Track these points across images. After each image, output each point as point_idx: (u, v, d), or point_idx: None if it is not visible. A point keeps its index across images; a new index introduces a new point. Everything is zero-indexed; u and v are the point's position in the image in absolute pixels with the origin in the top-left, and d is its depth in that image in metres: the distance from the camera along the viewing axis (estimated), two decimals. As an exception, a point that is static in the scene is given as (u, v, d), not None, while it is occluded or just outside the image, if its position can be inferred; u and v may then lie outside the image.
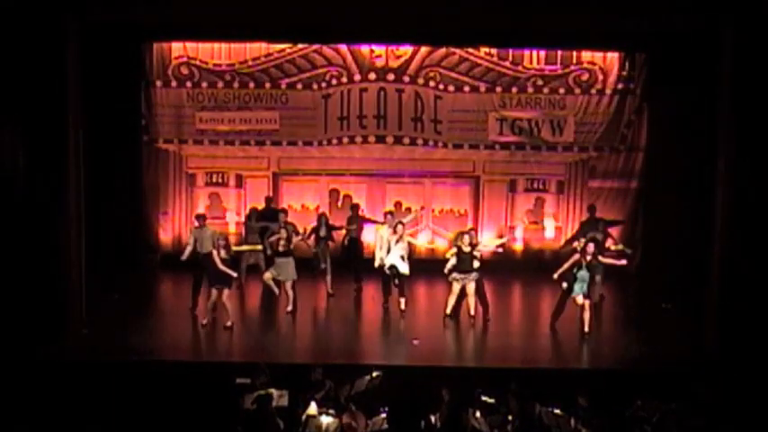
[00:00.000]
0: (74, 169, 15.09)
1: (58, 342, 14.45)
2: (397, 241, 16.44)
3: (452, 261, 16.03)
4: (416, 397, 12.17)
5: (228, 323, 15.56)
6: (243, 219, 19.44)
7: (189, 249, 16.44)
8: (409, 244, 16.89)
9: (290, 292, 16.52)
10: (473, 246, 16.07)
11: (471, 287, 16.05)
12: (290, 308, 16.50)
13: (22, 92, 14.33)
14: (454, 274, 16.03)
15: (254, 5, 14.96)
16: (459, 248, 16.00)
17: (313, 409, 11.55)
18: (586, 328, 15.50)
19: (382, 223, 17.30)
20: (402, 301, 16.63)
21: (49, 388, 12.89)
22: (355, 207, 18.72)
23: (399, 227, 16.51)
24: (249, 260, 17.82)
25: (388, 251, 16.51)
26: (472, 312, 16.09)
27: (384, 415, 11.53)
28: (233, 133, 19.93)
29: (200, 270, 16.23)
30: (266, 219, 18.04)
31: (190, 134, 19.93)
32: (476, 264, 16.00)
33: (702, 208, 16.07)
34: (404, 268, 16.49)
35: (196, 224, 16.89)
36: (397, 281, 16.58)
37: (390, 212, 17.62)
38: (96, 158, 16.05)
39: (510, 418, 11.66)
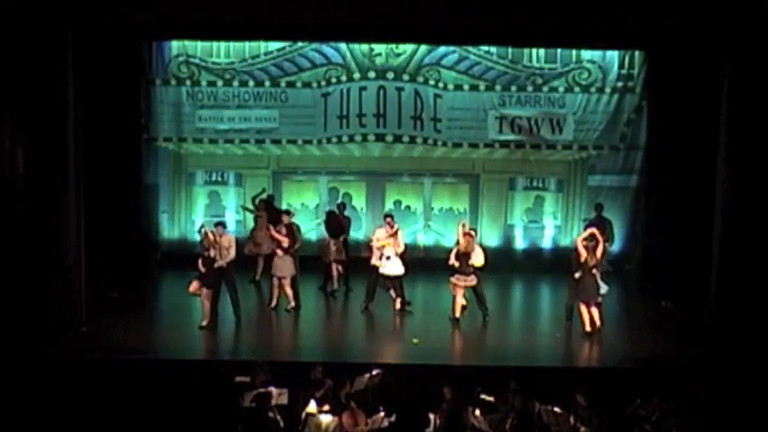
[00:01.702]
0: (73, 168, 15.10)
1: (58, 341, 14.45)
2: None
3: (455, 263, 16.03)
4: (416, 395, 12.17)
5: (204, 323, 15.61)
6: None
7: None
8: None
9: (289, 290, 16.54)
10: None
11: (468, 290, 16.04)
12: (291, 305, 16.53)
13: (22, 91, 14.33)
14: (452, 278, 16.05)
15: (253, 4, 14.98)
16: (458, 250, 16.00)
17: (312, 407, 11.58)
18: (588, 328, 15.47)
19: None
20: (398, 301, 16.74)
21: (48, 387, 12.89)
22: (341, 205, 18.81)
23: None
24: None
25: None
26: (457, 315, 16.08)
27: (383, 413, 11.55)
28: (232, 132, 19.93)
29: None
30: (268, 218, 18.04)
31: (189, 133, 19.93)
32: (474, 261, 15.95)
33: (702, 206, 16.07)
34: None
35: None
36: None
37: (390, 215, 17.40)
38: (96, 157, 16.04)
39: (510, 416, 11.68)
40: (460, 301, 16.06)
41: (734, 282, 14.91)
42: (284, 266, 16.47)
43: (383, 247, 16.48)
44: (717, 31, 15.00)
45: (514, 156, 20.12)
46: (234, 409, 11.80)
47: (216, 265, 15.43)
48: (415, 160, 20.21)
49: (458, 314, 16.10)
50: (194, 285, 15.57)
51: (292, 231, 16.65)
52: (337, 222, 17.95)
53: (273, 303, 16.66)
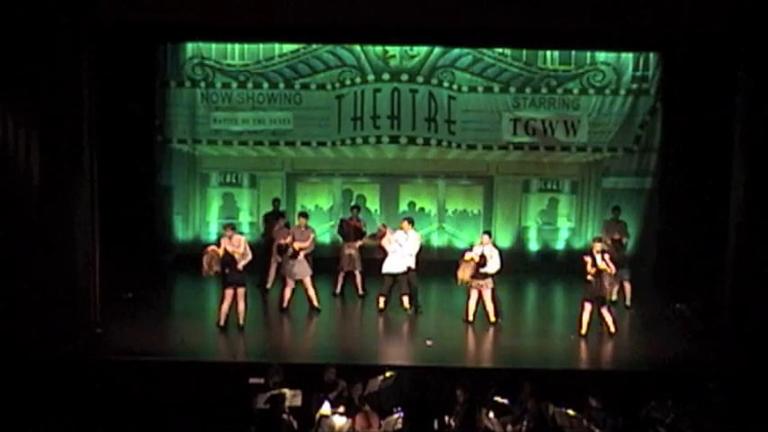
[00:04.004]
0: (88, 169, 15.15)
1: (73, 341, 14.50)
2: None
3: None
4: (430, 397, 12.17)
5: (241, 322, 15.63)
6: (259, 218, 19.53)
7: None
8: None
9: (312, 291, 16.64)
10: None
11: (486, 293, 16.04)
12: (315, 304, 16.69)
13: (39, 92, 14.37)
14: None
15: (267, 6, 15.00)
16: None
17: (326, 409, 11.59)
18: (612, 329, 15.48)
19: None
20: (405, 299, 16.78)
21: (63, 387, 12.94)
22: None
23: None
24: (278, 259, 17.77)
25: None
26: (492, 319, 16.07)
27: (398, 415, 11.55)
28: (247, 133, 19.96)
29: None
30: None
31: (204, 134, 19.96)
32: (488, 269, 15.95)
33: (717, 208, 16.04)
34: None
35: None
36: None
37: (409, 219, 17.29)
38: (111, 159, 16.11)
39: (524, 418, 11.67)
40: (489, 305, 16.10)
41: (748, 284, 14.88)
42: (303, 269, 16.53)
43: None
44: (732, 32, 14.95)
45: (528, 158, 20.10)
46: (247, 411, 11.82)
47: (239, 266, 15.45)
48: (428, 162, 20.22)
49: (471, 317, 16.10)
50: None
51: (309, 234, 16.74)
52: (349, 227, 17.92)
53: (285, 304, 16.67)
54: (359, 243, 17.77)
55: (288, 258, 16.58)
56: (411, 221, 16.94)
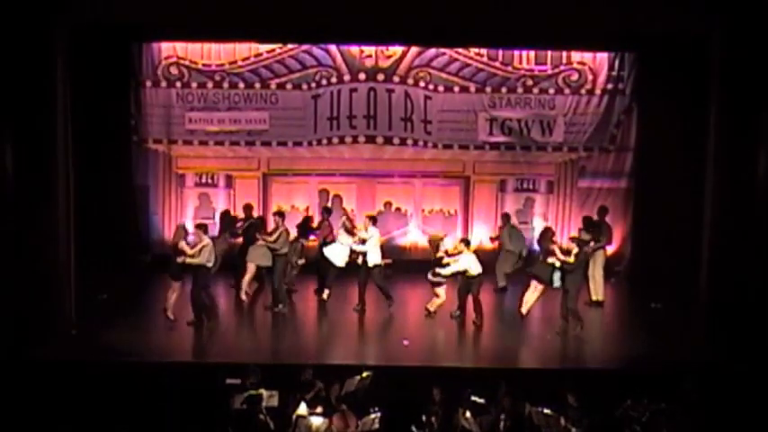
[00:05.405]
0: (63, 169, 15.05)
1: (47, 343, 14.41)
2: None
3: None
4: (407, 397, 12.18)
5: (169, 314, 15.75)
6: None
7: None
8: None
9: (247, 277, 16.84)
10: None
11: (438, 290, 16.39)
12: (242, 294, 16.85)
13: (11, 92, 14.27)
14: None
15: (243, 5, 14.96)
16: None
17: (303, 409, 11.57)
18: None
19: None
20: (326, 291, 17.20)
21: (37, 388, 12.86)
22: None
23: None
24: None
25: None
26: (430, 309, 16.46)
27: (374, 415, 11.55)
28: (223, 133, 19.91)
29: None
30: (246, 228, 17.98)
31: (179, 134, 19.90)
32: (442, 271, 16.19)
33: (692, 207, 16.12)
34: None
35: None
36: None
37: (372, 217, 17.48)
38: (86, 159, 16.02)
39: (501, 417, 11.69)
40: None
41: (723, 283, 14.94)
42: (255, 254, 16.61)
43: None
44: (706, 32, 15.03)
45: (505, 157, 20.14)
46: (224, 412, 11.79)
47: (179, 260, 15.43)
48: (405, 162, 20.23)
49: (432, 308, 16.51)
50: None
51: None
52: (306, 225, 18.03)
53: (245, 289, 16.94)
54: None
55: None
56: (373, 220, 17.13)
